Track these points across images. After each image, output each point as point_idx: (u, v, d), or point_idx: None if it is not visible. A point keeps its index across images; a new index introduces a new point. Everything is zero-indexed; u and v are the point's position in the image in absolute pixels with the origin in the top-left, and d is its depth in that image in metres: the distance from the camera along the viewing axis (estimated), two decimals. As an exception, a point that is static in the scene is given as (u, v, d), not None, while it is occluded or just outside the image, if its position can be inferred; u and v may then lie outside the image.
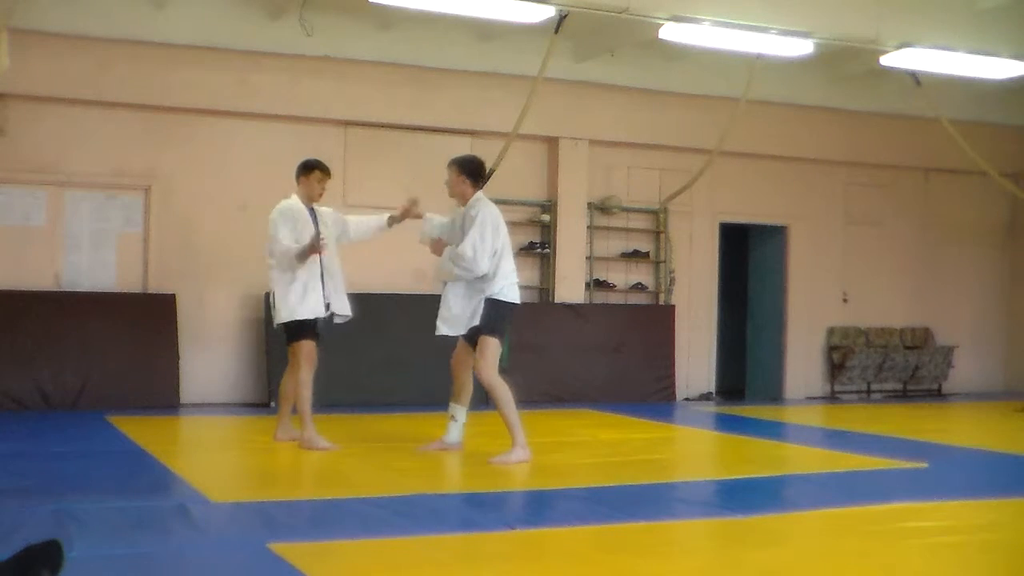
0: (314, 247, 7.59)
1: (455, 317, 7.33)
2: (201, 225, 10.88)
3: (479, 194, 7.44)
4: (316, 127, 11.30)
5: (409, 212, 7.96)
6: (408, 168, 11.57)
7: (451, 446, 7.66)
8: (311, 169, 7.94)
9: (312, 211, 7.93)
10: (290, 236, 7.68)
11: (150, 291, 10.68)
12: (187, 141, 10.84)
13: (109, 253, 10.67)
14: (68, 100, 10.39)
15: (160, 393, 10.28)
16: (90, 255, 10.59)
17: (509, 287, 7.30)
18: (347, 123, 11.40)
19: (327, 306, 7.84)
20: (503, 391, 7.24)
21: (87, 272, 10.58)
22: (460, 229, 7.39)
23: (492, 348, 7.23)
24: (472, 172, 7.46)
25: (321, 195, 8.02)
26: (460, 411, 7.62)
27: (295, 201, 7.89)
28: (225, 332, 10.93)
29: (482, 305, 7.23)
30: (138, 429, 8.49)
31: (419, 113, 11.52)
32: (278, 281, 7.75)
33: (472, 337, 7.34)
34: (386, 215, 8.15)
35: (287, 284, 7.71)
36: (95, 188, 10.61)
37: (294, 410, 7.95)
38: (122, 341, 10.29)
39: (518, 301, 7.39)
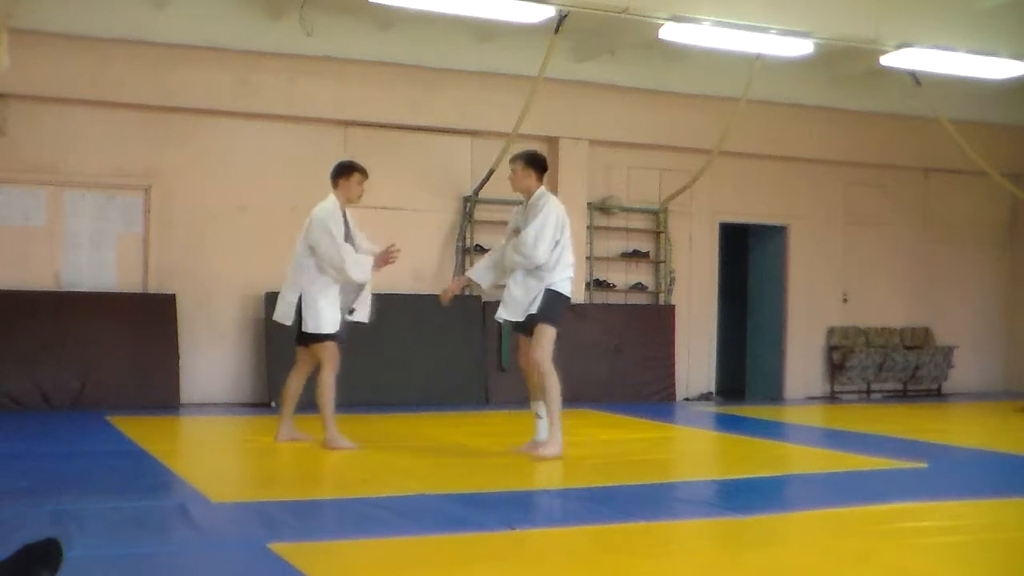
0: (388, 258, 7.61)
1: (515, 303, 7.41)
2: (201, 225, 10.88)
3: (543, 189, 7.54)
4: (316, 127, 11.30)
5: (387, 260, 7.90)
6: (408, 168, 11.59)
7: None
8: (351, 171, 7.78)
9: (345, 215, 7.77)
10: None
11: (150, 291, 10.68)
12: (187, 141, 10.84)
13: (109, 253, 10.67)
14: (68, 100, 10.39)
15: (160, 393, 10.28)
16: (90, 255, 10.59)
17: (566, 280, 7.43)
18: (347, 123, 11.41)
19: (351, 311, 7.78)
20: (554, 382, 7.35)
21: (87, 272, 10.58)
22: (524, 222, 7.46)
23: (549, 335, 7.35)
24: (539, 165, 7.59)
25: (360, 197, 7.88)
26: (543, 407, 7.60)
27: (334, 204, 7.70)
28: (225, 332, 10.94)
29: (541, 294, 7.34)
30: (138, 429, 8.49)
31: (419, 113, 11.52)
32: (312, 284, 7.60)
33: (529, 328, 7.42)
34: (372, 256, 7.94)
35: (320, 291, 7.59)
36: (95, 188, 10.61)
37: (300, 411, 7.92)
38: (122, 341, 10.29)
39: (570, 295, 7.52)
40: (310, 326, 7.63)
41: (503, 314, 7.50)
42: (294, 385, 7.95)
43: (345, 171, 7.78)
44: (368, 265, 7.65)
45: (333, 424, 7.67)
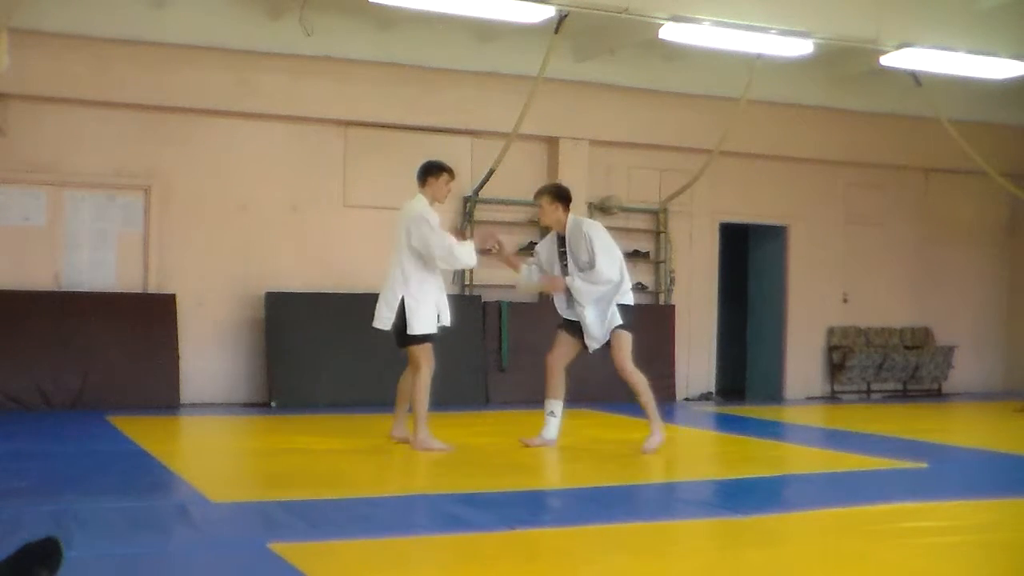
0: (487, 242, 7.75)
1: (597, 331, 7.76)
2: (201, 225, 10.88)
3: (572, 216, 7.85)
4: (316, 127, 11.30)
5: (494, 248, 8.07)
6: (408, 168, 11.47)
7: (549, 442, 7.86)
8: (440, 171, 7.81)
9: None
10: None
11: (150, 291, 10.68)
12: (187, 141, 10.84)
13: (109, 253, 10.67)
14: (68, 100, 10.38)
15: (160, 393, 10.27)
16: (90, 255, 10.59)
17: (629, 294, 7.88)
18: (347, 123, 11.40)
19: (438, 316, 7.78)
20: (642, 380, 7.81)
21: (87, 272, 10.57)
22: (570, 251, 7.77)
23: (626, 340, 7.78)
24: (565, 198, 7.88)
25: (446, 196, 7.96)
26: (558, 405, 7.88)
27: (424, 202, 7.73)
28: (225, 332, 10.94)
29: (615, 312, 7.74)
30: (138, 429, 8.49)
31: (419, 113, 11.51)
32: (416, 287, 7.60)
33: (581, 339, 7.82)
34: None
35: (423, 294, 7.61)
36: (95, 188, 10.61)
37: (409, 409, 7.92)
38: (122, 341, 10.28)
39: (632, 303, 7.96)
40: (416, 328, 7.61)
41: (594, 345, 7.83)
42: (406, 384, 7.96)
43: (434, 171, 7.81)
44: (472, 249, 7.65)
45: (426, 425, 7.65)
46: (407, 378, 7.97)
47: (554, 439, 7.87)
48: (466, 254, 7.63)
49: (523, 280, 8.26)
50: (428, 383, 7.68)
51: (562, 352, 7.87)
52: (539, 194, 7.94)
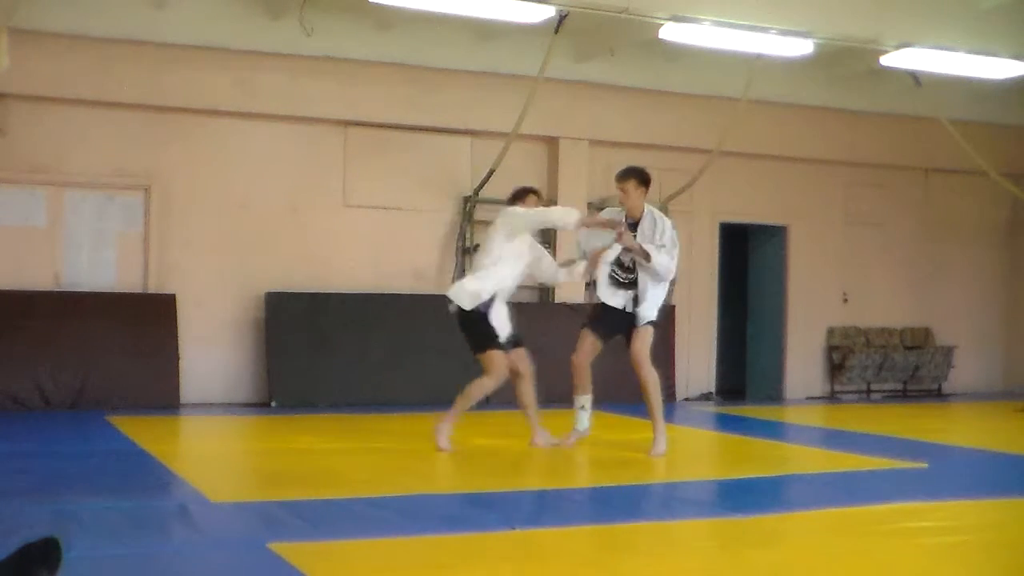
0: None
1: (653, 304, 7.74)
2: (201, 225, 10.88)
3: (648, 205, 7.84)
4: (316, 127, 11.30)
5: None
6: (408, 168, 11.59)
7: (583, 434, 8.01)
8: (526, 194, 7.99)
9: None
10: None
11: (150, 291, 10.68)
12: (187, 141, 10.84)
13: (109, 253, 10.67)
14: (68, 100, 10.38)
15: (160, 393, 10.27)
16: (90, 255, 10.59)
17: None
18: (347, 123, 11.40)
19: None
20: (655, 379, 7.79)
21: (87, 272, 10.58)
22: (643, 235, 7.65)
23: (651, 336, 7.75)
24: (648, 184, 7.84)
25: None
26: (587, 400, 7.97)
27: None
28: (225, 332, 10.93)
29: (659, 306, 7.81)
30: (138, 429, 8.49)
31: (419, 113, 11.51)
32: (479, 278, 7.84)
33: (627, 328, 7.75)
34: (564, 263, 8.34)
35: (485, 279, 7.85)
36: (95, 188, 10.61)
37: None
38: (122, 341, 10.28)
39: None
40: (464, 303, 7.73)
41: (648, 314, 7.72)
42: (520, 391, 7.99)
43: (522, 195, 7.99)
44: (574, 216, 7.76)
45: (453, 421, 7.71)
46: (516, 386, 8.01)
47: (587, 429, 8.00)
48: (569, 215, 7.79)
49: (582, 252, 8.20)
50: (481, 388, 7.68)
51: (587, 350, 7.89)
52: (626, 176, 7.74)
